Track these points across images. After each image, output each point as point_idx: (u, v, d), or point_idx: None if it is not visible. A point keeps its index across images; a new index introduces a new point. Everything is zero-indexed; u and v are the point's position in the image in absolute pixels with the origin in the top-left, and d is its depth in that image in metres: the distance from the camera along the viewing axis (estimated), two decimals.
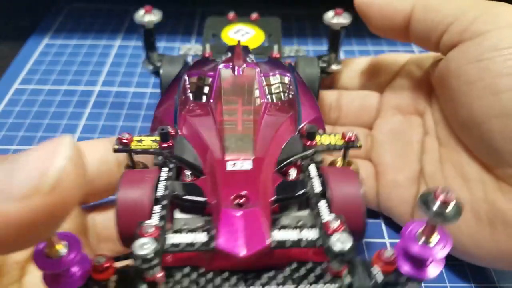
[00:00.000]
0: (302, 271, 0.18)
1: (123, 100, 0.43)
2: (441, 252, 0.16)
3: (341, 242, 0.16)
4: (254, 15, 0.39)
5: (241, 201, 0.19)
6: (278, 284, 0.17)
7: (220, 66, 0.27)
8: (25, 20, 0.56)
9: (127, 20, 0.56)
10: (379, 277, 0.17)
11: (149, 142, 0.23)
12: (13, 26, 0.55)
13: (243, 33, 0.37)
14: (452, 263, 0.29)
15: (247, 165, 0.21)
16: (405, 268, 0.17)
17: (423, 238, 0.17)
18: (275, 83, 0.27)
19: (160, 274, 0.17)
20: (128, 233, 0.18)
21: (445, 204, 0.16)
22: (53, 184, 0.13)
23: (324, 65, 0.35)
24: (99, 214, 0.26)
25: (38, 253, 0.16)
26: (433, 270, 0.17)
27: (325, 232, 0.17)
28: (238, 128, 0.23)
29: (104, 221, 0.25)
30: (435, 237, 0.17)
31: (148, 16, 0.35)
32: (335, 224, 0.17)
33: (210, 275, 0.18)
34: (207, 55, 0.34)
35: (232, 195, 0.19)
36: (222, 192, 0.19)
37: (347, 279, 0.17)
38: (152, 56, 0.37)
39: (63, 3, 0.59)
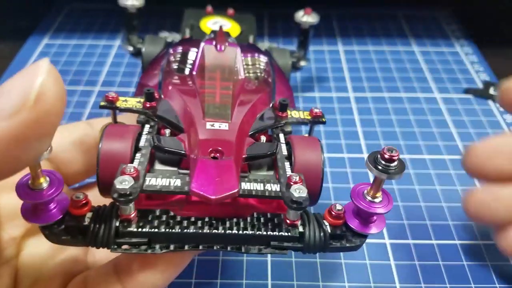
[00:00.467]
0: (262, 220, 0.20)
1: None
2: (384, 208, 0.20)
3: (298, 191, 0.19)
4: (231, 11, 0.41)
5: (217, 154, 0.21)
6: (239, 230, 0.20)
7: (204, 43, 0.29)
8: (25, 20, 0.56)
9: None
10: (328, 229, 0.20)
11: (133, 102, 0.25)
12: (13, 26, 0.55)
13: (220, 24, 0.38)
14: (475, 263, 0.29)
15: (224, 126, 0.23)
16: (353, 224, 0.20)
17: (369, 196, 0.20)
18: (253, 64, 0.30)
19: (133, 213, 0.19)
20: (108, 182, 0.19)
21: (390, 161, 0.18)
22: (37, 95, 0.14)
23: (294, 60, 0.40)
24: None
25: (21, 185, 0.18)
26: (376, 228, 0.21)
27: (287, 184, 0.20)
28: (216, 100, 0.25)
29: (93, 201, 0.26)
30: (379, 196, 0.20)
31: (131, 0, 0.38)
32: (296, 178, 0.20)
33: (178, 218, 0.20)
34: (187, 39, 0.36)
35: (208, 148, 0.21)
36: (200, 146, 0.21)
37: (301, 229, 0.20)
38: (132, 38, 0.39)
39: (62, 3, 0.58)
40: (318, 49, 0.51)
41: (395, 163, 0.19)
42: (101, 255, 0.25)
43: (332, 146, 0.38)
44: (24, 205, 0.19)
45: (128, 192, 0.18)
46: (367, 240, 0.30)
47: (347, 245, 0.21)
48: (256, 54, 0.30)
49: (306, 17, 0.39)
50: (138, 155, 0.21)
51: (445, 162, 0.37)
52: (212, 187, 0.19)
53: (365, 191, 0.20)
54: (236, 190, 0.19)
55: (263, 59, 0.30)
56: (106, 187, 0.21)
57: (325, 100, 0.43)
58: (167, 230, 0.19)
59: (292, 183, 0.19)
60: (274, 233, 0.20)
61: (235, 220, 0.20)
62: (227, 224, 0.20)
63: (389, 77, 0.47)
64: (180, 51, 0.29)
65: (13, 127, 0.14)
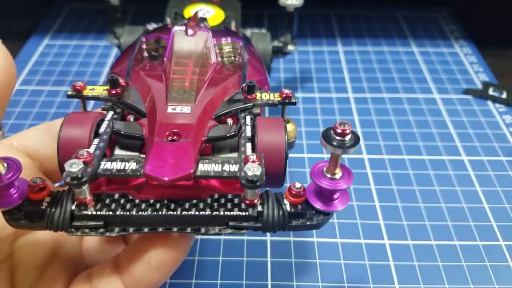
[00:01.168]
0: (221, 201, 0.20)
1: None
2: (346, 183, 0.20)
3: (252, 169, 0.18)
4: None
5: (174, 137, 0.21)
6: (196, 211, 0.20)
7: (174, 28, 0.28)
8: (26, 20, 0.56)
9: (127, 20, 0.56)
10: (288, 207, 0.20)
11: (100, 90, 0.25)
12: (14, 27, 0.55)
13: (204, 12, 0.38)
14: (474, 264, 0.30)
15: (186, 110, 0.23)
16: (317, 204, 0.20)
17: (329, 174, 0.20)
18: (227, 48, 0.29)
19: (88, 197, 0.19)
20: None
21: (343, 135, 0.18)
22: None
23: (281, 45, 0.39)
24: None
25: None
26: (341, 204, 0.20)
27: (244, 164, 0.19)
28: (185, 85, 0.24)
29: None
30: (339, 172, 0.20)
31: None
32: (253, 157, 0.19)
33: (137, 202, 0.20)
34: (169, 26, 0.35)
35: (166, 131, 0.21)
36: (158, 128, 0.21)
37: (260, 208, 0.20)
38: (117, 31, 0.39)
39: (63, 4, 0.59)
40: (318, 49, 0.51)
41: (349, 136, 0.18)
42: (98, 255, 0.25)
43: None
44: None
45: (78, 175, 0.18)
46: (366, 241, 0.31)
47: (308, 223, 0.20)
48: (230, 38, 0.30)
49: (290, 0, 0.39)
50: (96, 140, 0.21)
51: (445, 163, 0.37)
52: (166, 169, 0.19)
53: (324, 169, 0.20)
54: (190, 172, 0.19)
55: (237, 42, 0.30)
56: None
57: (324, 100, 0.44)
58: (124, 213, 0.19)
59: (246, 162, 0.19)
60: (232, 213, 0.20)
61: (193, 201, 0.20)
62: (186, 205, 0.20)
63: (389, 78, 0.47)
64: (153, 38, 0.29)
65: None
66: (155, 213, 0.20)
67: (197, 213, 0.20)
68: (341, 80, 0.46)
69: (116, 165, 0.20)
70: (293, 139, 0.25)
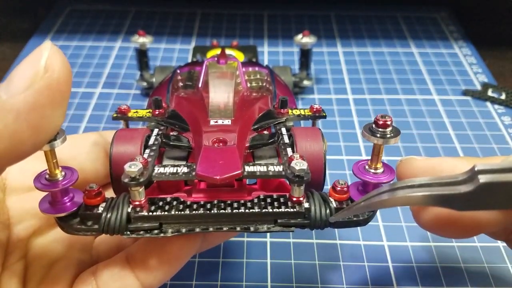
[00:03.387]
0: (268, 200, 0.21)
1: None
2: (388, 177, 0.21)
3: (299, 165, 0.19)
4: (235, 42, 0.45)
5: (220, 144, 0.22)
6: (246, 209, 0.20)
7: (207, 60, 0.31)
8: (26, 21, 0.56)
9: (128, 21, 0.56)
10: (334, 204, 0.21)
11: (144, 112, 0.27)
12: (14, 27, 0.55)
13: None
14: (473, 265, 0.30)
15: (227, 122, 0.25)
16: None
17: (372, 169, 0.21)
18: (255, 75, 0.32)
19: (143, 200, 0.20)
20: (119, 180, 0.20)
21: (385, 127, 0.20)
22: (45, 66, 0.16)
23: (297, 80, 0.43)
24: None
25: (39, 176, 0.20)
26: None
27: (288, 163, 0.20)
28: (222, 105, 0.27)
29: None
30: (381, 167, 0.21)
31: (142, 39, 0.41)
32: (297, 156, 0.20)
33: (188, 203, 0.21)
34: None
35: (213, 138, 0.23)
36: (204, 137, 0.23)
37: (306, 205, 0.21)
38: (145, 75, 0.43)
39: (63, 5, 0.59)
40: (318, 50, 0.51)
41: (390, 128, 0.20)
42: (103, 250, 0.26)
43: (331, 148, 0.39)
44: (42, 199, 0.20)
45: (137, 176, 0.19)
46: (365, 242, 0.31)
47: (355, 219, 0.21)
48: (257, 68, 0.33)
49: (305, 39, 0.42)
50: (147, 151, 0.22)
51: None
52: (216, 169, 0.20)
53: (366, 166, 0.21)
54: (239, 171, 0.20)
55: (263, 71, 0.33)
56: (119, 186, 0.22)
57: (324, 102, 0.44)
58: (177, 212, 0.20)
59: (291, 160, 0.20)
60: (280, 210, 0.20)
61: (242, 201, 0.21)
62: (235, 205, 0.21)
63: (388, 79, 0.47)
64: (186, 70, 0.33)
65: (30, 96, 0.16)
66: (208, 211, 0.20)
67: (247, 211, 0.20)
68: (341, 81, 0.47)
69: (169, 170, 0.21)
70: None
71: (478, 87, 0.46)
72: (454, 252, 0.31)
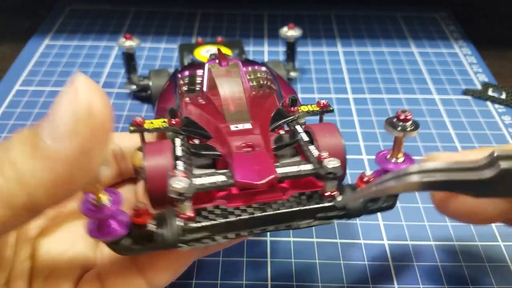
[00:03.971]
0: (303, 197, 0.22)
1: (124, 102, 0.43)
2: (407, 166, 0.22)
3: (331, 162, 0.21)
4: (219, 39, 0.45)
5: (249, 149, 0.23)
6: (287, 208, 0.21)
7: (207, 63, 0.31)
8: (26, 21, 0.56)
9: (128, 21, 0.56)
10: None
11: (159, 122, 0.26)
12: (14, 27, 0.55)
13: (212, 51, 0.42)
14: (473, 264, 0.30)
15: (247, 125, 0.25)
16: None
17: (393, 159, 0.23)
18: (255, 74, 0.33)
19: (191, 212, 0.21)
20: (157, 195, 0.22)
21: (405, 121, 0.22)
22: (87, 109, 0.16)
23: (284, 72, 0.42)
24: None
25: (85, 202, 0.19)
26: None
27: (319, 161, 0.22)
28: (231, 108, 0.27)
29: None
30: (401, 157, 0.23)
31: (129, 42, 0.41)
32: (325, 154, 0.22)
33: (230, 209, 0.21)
34: None
35: (240, 144, 0.23)
36: (231, 143, 0.23)
37: (339, 198, 0.22)
38: (133, 78, 0.43)
39: (63, 5, 0.59)
40: (318, 50, 0.51)
41: (410, 122, 0.22)
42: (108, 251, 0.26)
43: None
44: (89, 223, 0.20)
45: (185, 191, 0.19)
46: (366, 241, 0.31)
47: (384, 205, 0.23)
48: (256, 66, 0.33)
49: (290, 32, 0.43)
50: (179, 163, 0.22)
51: None
52: (254, 174, 0.21)
53: (388, 156, 0.23)
54: (275, 175, 0.21)
55: (263, 68, 0.33)
56: (156, 200, 0.22)
57: None
58: (224, 220, 0.21)
59: (323, 159, 0.22)
60: (318, 205, 0.22)
61: (279, 201, 0.22)
62: (275, 205, 0.22)
63: (388, 78, 0.47)
64: (187, 74, 0.32)
65: (76, 143, 0.16)
66: (253, 214, 0.21)
67: (288, 210, 0.21)
68: (341, 80, 0.47)
69: (208, 180, 0.21)
70: None
71: (478, 87, 0.46)
72: (455, 251, 0.31)
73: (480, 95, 0.45)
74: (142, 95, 0.43)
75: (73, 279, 0.23)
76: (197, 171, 0.23)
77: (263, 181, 0.21)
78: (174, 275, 0.23)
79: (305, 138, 0.25)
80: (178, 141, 0.25)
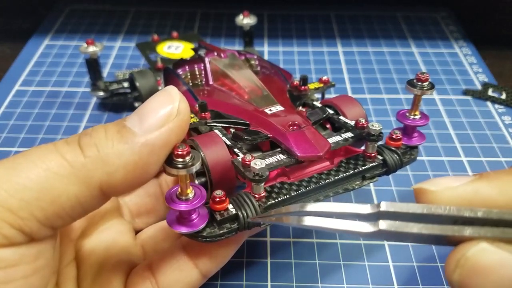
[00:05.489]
0: (352, 161, 0.25)
1: (124, 102, 0.43)
2: (424, 121, 0.27)
3: (376, 126, 0.25)
4: (175, 34, 0.46)
5: (295, 127, 0.26)
6: (344, 173, 0.24)
7: (206, 57, 0.33)
8: (26, 21, 0.56)
9: (127, 21, 0.56)
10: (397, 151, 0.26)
11: (195, 119, 0.28)
12: (14, 27, 0.55)
13: (175, 47, 0.43)
14: None
15: (279, 108, 0.28)
16: (411, 142, 0.27)
17: (411, 115, 0.27)
18: (249, 62, 0.34)
19: (263, 191, 0.23)
20: (219, 182, 0.24)
21: (423, 81, 0.25)
22: (178, 110, 0.19)
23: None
24: (127, 196, 0.29)
25: (169, 194, 0.21)
26: (419, 139, 0.28)
27: (358, 127, 0.26)
28: (255, 94, 0.29)
29: (131, 200, 0.28)
30: (418, 114, 0.27)
31: (92, 48, 0.38)
32: (362, 120, 0.26)
33: (296, 182, 0.24)
34: (160, 66, 0.41)
35: (286, 124, 0.25)
36: (278, 125, 0.25)
37: (380, 157, 0.26)
38: (100, 84, 0.40)
39: (63, 5, 0.59)
40: (318, 50, 0.51)
41: (427, 83, 0.26)
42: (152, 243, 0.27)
43: None
44: (169, 215, 0.21)
45: (261, 172, 0.21)
46: (366, 242, 0.31)
47: (412, 157, 0.27)
48: (247, 55, 0.35)
49: (246, 20, 0.43)
50: (236, 150, 0.25)
51: (444, 164, 0.37)
52: (313, 148, 0.24)
53: (407, 114, 0.27)
54: (330, 145, 0.24)
55: (253, 57, 0.35)
56: (219, 187, 0.23)
57: None
58: (295, 193, 0.23)
59: (361, 124, 0.26)
60: (366, 166, 0.25)
61: (334, 169, 0.25)
62: (331, 175, 0.24)
63: (388, 78, 0.47)
64: (187, 70, 0.33)
65: (164, 134, 0.18)
66: (318, 184, 0.24)
67: (345, 174, 0.24)
68: (341, 80, 0.47)
69: (271, 160, 0.24)
70: None
71: (478, 87, 0.46)
72: None
73: (480, 95, 0.45)
74: (113, 101, 0.41)
75: (122, 275, 0.24)
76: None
77: (323, 152, 0.23)
78: (224, 261, 0.24)
79: (330, 111, 0.28)
80: (218, 132, 0.26)
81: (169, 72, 0.34)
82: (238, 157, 0.23)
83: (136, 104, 0.40)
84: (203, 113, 0.27)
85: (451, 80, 0.47)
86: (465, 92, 0.45)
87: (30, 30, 0.53)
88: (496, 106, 0.44)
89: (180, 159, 0.19)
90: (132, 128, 0.18)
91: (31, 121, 0.41)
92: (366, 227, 0.17)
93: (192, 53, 0.37)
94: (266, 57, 0.50)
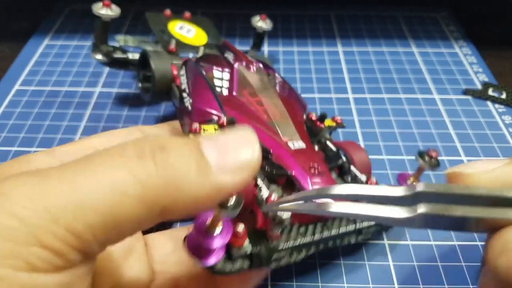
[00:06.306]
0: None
1: (124, 102, 0.43)
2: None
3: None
4: (187, 14, 0.43)
5: (315, 170, 0.25)
6: (343, 226, 0.25)
7: (236, 65, 0.32)
8: (26, 21, 0.56)
9: (127, 21, 0.56)
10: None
11: (212, 129, 0.26)
12: (14, 27, 0.55)
13: (187, 29, 0.40)
14: (474, 264, 0.30)
15: (301, 144, 0.27)
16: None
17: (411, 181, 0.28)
18: (271, 78, 0.33)
19: (278, 232, 0.23)
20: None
21: (432, 157, 0.26)
22: (257, 157, 0.18)
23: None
24: None
25: (200, 225, 0.20)
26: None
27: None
28: (277, 119, 0.28)
29: None
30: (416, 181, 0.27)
31: (105, 10, 0.36)
32: (374, 180, 0.27)
33: (303, 228, 0.24)
34: (172, 48, 0.37)
35: (308, 166, 0.25)
36: (301, 165, 0.25)
37: None
38: (102, 48, 0.38)
39: (63, 5, 0.59)
40: (318, 50, 0.51)
41: (434, 159, 0.26)
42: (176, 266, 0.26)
43: None
44: (189, 238, 0.21)
45: (288, 222, 0.22)
46: (366, 241, 0.31)
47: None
48: (270, 71, 0.33)
49: (261, 23, 0.42)
50: (259, 182, 0.24)
51: (444, 163, 0.37)
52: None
53: (407, 180, 0.28)
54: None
55: (276, 74, 0.34)
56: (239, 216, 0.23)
57: (324, 101, 0.44)
58: (303, 240, 0.24)
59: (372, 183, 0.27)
60: (366, 225, 0.26)
61: (339, 220, 0.25)
62: (336, 223, 0.25)
63: (388, 78, 0.47)
64: (215, 73, 0.31)
65: (237, 180, 0.17)
66: (322, 233, 0.24)
67: (345, 230, 0.25)
68: (341, 80, 0.47)
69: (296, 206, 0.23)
70: None
71: (479, 87, 0.46)
72: (455, 250, 0.31)
73: (480, 95, 0.44)
74: (111, 67, 0.39)
75: None
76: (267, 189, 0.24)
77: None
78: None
79: (344, 158, 0.28)
80: None
81: (194, 69, 0.32)
82: (261, 192, 0.23)
83: (140, 85, 0.38)
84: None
85: (451, 80, 0.47)
86: (465, 92, 0.45)
87: (30, 30, 0.53)
88: (496, 105, 0.43)
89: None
90: (210, 163, 0.17)
91: (30, 121, 0.41)
92: (401, 212, 0.15)
93: (203, 41, 0.35)
94: (266, 56, 0.50)
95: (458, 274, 0.29)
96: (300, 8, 0.59)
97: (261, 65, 0.32)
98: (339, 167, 0.28)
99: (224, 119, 0.26)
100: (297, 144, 0.27)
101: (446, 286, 0.29)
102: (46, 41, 0.52)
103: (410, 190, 0.15)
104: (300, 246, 0.24)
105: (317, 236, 0.24)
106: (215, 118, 0.27)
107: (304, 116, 0.31)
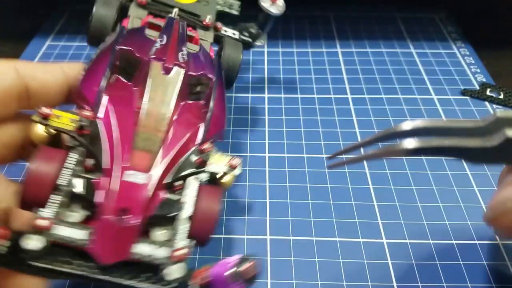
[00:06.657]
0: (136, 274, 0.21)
1: None
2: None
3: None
4: None
5: (124, 215, 0.21)
6: (117, 277, 0.20)
7: (153, 57, 0.26)
8: (28, 21, 0.56)
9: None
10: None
11: (67, 120, 0.23)
12: (16, 28, 0.56)
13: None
14: (472, 263, 0.30)
15: (142, 179, 0.22)
16: None
17: None
18: (198, 84, 0.27)
19: (40, 243, 0.19)
20: (30, 201, 0.20)
21: None
22: None
23: (249, 39, 0.38)
24: None
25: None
26: None
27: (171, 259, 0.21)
28: (151, 124, 0.24)
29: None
30: None
31: None
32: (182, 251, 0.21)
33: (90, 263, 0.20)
34: (143, 1, 0.33)
35: (118, 206, 0.21)
36: (110, 201, 0.21)
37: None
38: None
39: (65, 5, 0.59)
40: (317, 50, 0.52)
41: None
42: None
43: (330, 147, 0.39)
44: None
45: (36, 252, 0.19)
46: (365, 240, 0.31)
47: None
48: (203, 72, 0.27)
49: (268, 4, 0.38)
50: (55, 197, 0.21)
51: (442, 163, 0.38)
52: (107, 252, 0.20)
53: None
54: (126, 257, 0.20)
55: (209, 80, 0.27)
56: (28, 205, 0.21)
57: (323, 101, 0.44)
58: (60, 268, 0.20)
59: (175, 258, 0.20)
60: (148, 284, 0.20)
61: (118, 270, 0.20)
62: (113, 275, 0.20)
63: (387, 79, 0.47)
64: (127, 53, 0.26)
65: None
66: (85, 272, 0.20)
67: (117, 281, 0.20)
68: (340, 81, 0.47)
69: (66, 232, 0.20)
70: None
71: (477, 87, 0.46)
72: (453, 249, 0.31)
73: (478, 95, 0.45)
74: None
75: None
76: (68, 213, 0.21)
77: (110, 262, 0.20)
78: None
79: (188, 210, 0.22)
80: (73, 158, 0.22)
81: (114, 40, 0.28)
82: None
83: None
84: (80, 131, 0.23)
85: (449, 80, 0.47)
86: (463, 92, 0.45)
87: (32, 31, 0.54)
88: (494, 106, 0.44)
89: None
90: None
91: None
92: (490, 140, 0.14)
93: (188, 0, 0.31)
94: (266, 57, 0.51)
95: (456, 272, 0.30)
96: (300, 9, 0.59)
97: (182, 71, 0.26)
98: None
99: (89, 118, 0.23)
100: (137, 176, 0.22)
101: (444, 284, 0.29)
102: (48, 42, 0.52)
103: (490, 118, 0.14)
104: (58, 273, 0.20)
105: (78, 272, 0.20)
106: (87, 113, 0.24)
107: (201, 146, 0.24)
